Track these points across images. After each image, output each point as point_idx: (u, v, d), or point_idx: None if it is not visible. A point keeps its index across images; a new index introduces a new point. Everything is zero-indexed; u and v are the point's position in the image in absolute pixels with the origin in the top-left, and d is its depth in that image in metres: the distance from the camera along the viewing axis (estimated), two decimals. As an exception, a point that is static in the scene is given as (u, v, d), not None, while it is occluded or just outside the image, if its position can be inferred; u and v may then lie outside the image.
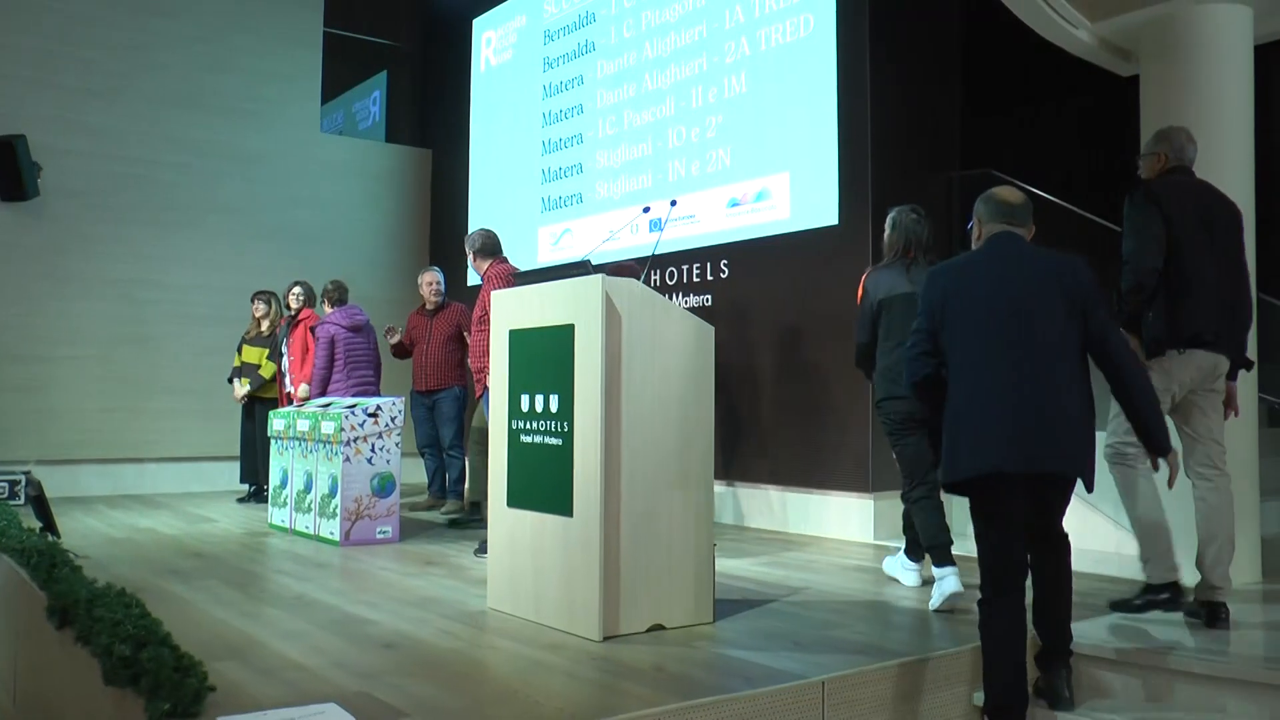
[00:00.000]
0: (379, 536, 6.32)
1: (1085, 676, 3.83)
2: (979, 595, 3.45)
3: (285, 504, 6.88)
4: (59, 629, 4.05)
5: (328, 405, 6.79)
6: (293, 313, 8.41)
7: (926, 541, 4.72)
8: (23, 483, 8.47)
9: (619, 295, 3.94)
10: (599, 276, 3.90)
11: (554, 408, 4.06)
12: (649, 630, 3.97)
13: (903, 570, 5.11)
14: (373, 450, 6.30)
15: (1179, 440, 4.18)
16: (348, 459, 6.22)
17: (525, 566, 4.20)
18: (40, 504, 5.78)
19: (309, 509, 6.55)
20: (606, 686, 3.29)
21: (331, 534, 6.28)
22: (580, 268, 4.09)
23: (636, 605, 3.95)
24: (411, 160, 11.42)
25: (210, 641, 3.79)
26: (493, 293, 4.48)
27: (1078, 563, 3.70)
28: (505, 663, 3.60)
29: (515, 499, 4.27)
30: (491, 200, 10.22)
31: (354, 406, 6.40)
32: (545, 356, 4.12)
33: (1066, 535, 3.63)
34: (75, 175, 9.33)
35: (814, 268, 6.96)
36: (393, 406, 6.41)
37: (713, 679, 3.39)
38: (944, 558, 4.58)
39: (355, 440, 6.24)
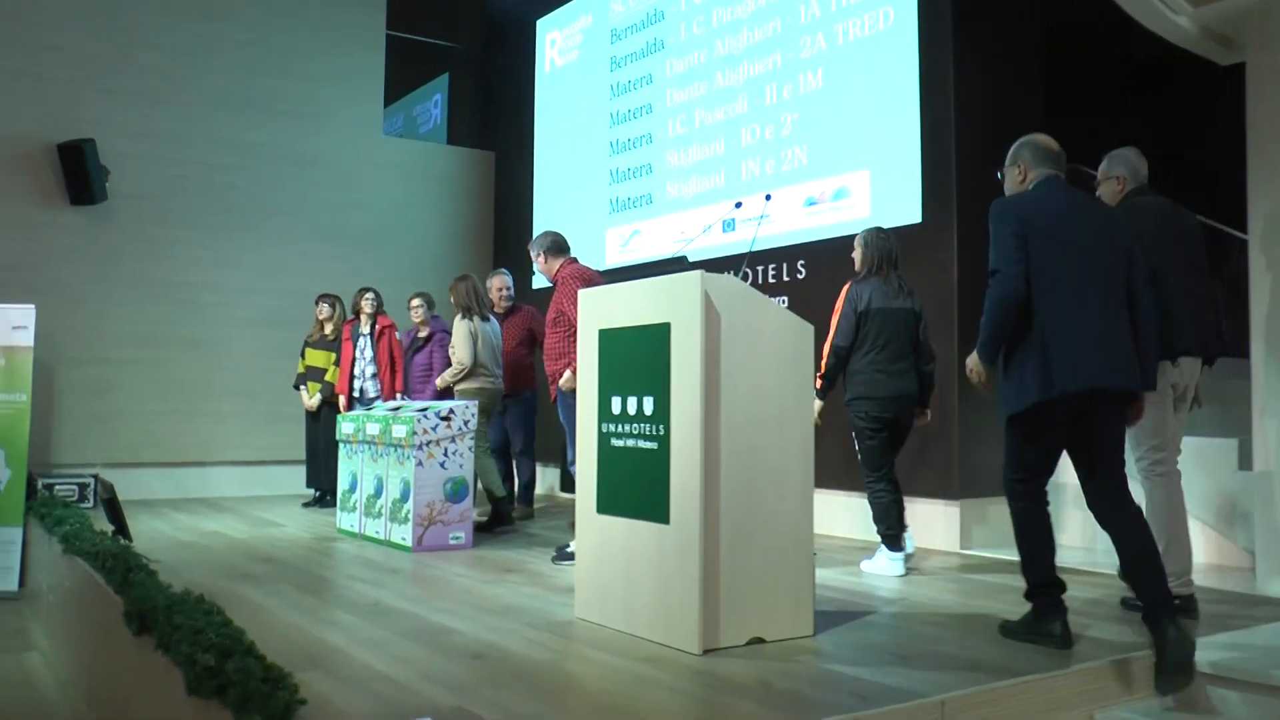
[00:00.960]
0: (452, 542, 6.17)
1: (1203, 695, 3.61)
2: (1012, 501, 3.91)
3: (354, 509, 6.76)
4: (137, 635, 3.94)
5: (398, 409, 6.66)
6: (369, 318, 8.33)
7: (886, 528, 5.41)
8: (92, 485, 8.47)
9: (717, 292, 3.76)
10: (698, 273, 3.72)
11: (648, 410, 3.88)
12: (748, 643, 3.77)
13: (889, 564, 5.42)
14: (445, 454, 6.16)
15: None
16: (420, 463, 6.08)
17: (616, 575, 4.02)
18: (113, 507, 5.70)
19: (379, 514, 6.42)
20: (712, 703, 3.10)
21: (403, 539, 6.15)
22: (675, 264, 3.91)
23: (736, 617, 3.76)
24: (475, 162, 11.33)
25: (289, 650, 3.64)
26: (580, 291, 4.31)
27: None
28: (602, 676, 3.42)
29: (605, 505, 4.10)
30: (557, 202, 10.09)
31: (426, 410, 6.27)
32: (638, 357, 3.94)
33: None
34: (139, 179, 9.33)
35: (896, 268, 6.73)
36: (465, 410, 6.27)
37: (823, 696, 3.19)
38: (897, 544, 5.39)
39: (428, 444, 6.10)
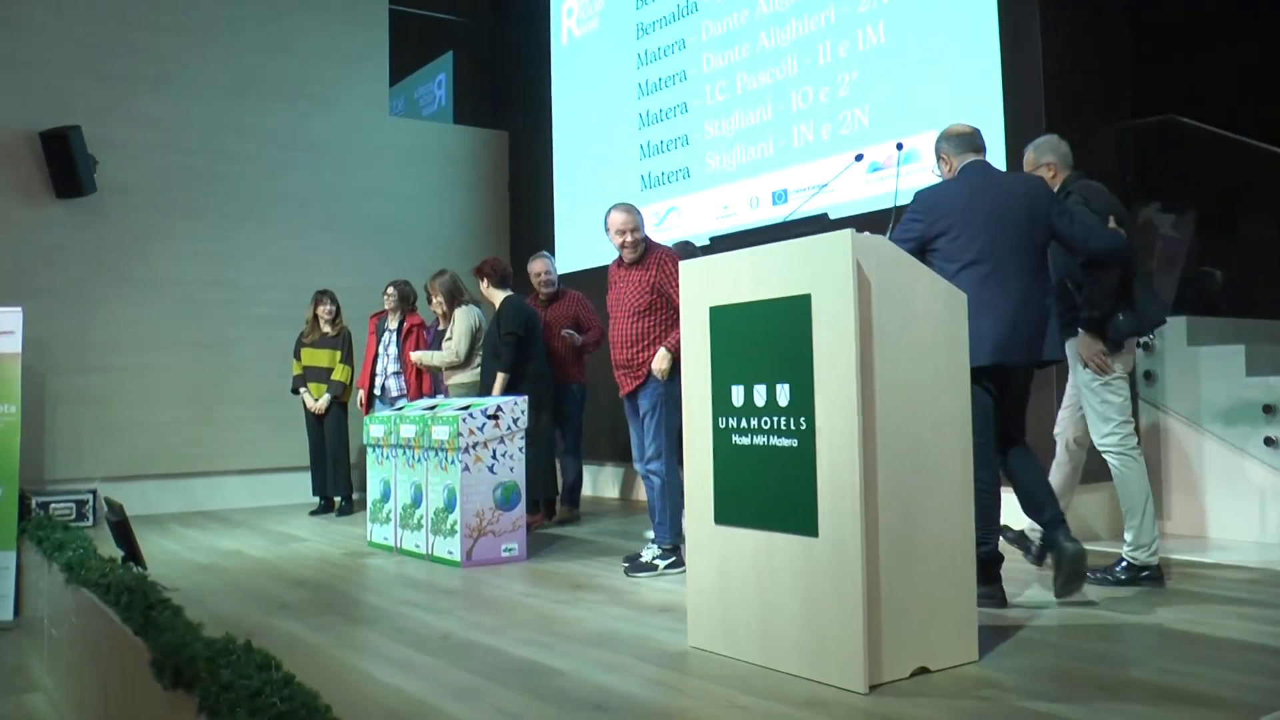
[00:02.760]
0: (505, 555, 5.51)
1: None
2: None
3: (388, 520, 6.09)
4: (170, 689, 3.27)
5: (433, 407, 6.00)
6: (395, 313, 7.92)
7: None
8: (90, 502, 7.77)
9: (866, 256, 3.12)
10: (846, 232, 3.09)
11: (783, 400, 3.22)
12: (912, 675, 3.13)
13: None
14: (494, 457, 5.50)
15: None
16: (466, 468, 5.41)
17: (746, 598, 3.37)
18: (123, 530, 5.01)
19: (419, 525, 5.76)
20: (914, 763, 2.46)
21: (450, 554, 5.48)
22: (814, 224, 3.26)
23: (899, 645, 3.11)
24: (487, 143, 10.61)
25: (366, 707, 2.99)
26: (682, 264, 3.65)
27: None
28: (762, 730, 2.77)
29: (727, 514, 3.44)
30: (581, 181, 9.41)
31: (469, 408, 5.60)
32: (768, 337, 3.29)
33: None
34: (130, 168, 8.59)
35: (978, 236, 6.09)
36: (514, 407, 5.59)
37: (1042, 747, 2.56)
38: None
39: (474, 446, 5.44)
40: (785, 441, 3.22)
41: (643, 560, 4.96)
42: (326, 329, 8.13)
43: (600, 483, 9.02)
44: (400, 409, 6.48)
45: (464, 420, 5.41)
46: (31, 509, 7.06)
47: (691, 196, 8.00)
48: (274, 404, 8.65)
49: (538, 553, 5.82)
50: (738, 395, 3.39)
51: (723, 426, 3.46)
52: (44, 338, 8.02)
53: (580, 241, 8.57)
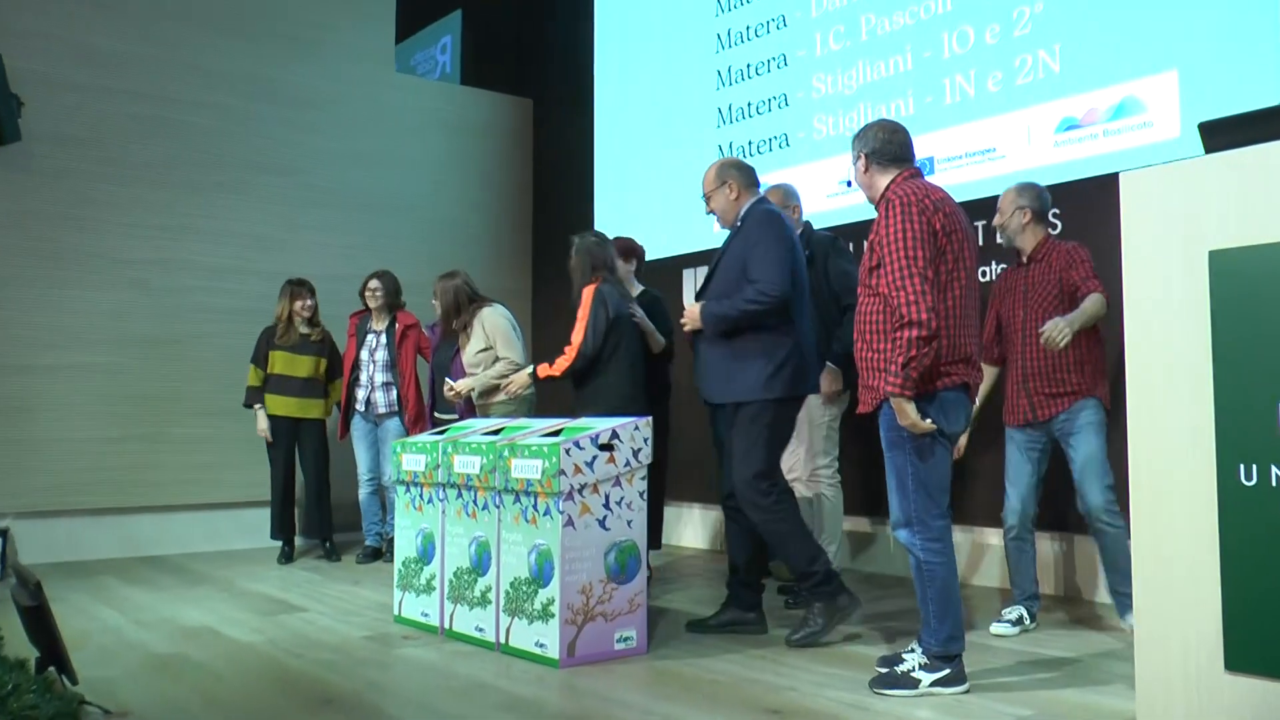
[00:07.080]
0: (619, 647, 3.77)
1: None
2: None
3: (430, 589, 4.32)
4: None
5: (497, 432, 4.25)
6: (382, 311, 6.50)
7: None
8: (-1, 549, 5.89)
9: None
10: None
11: None
12: None
13: None
14: (607, 506, 3.76)
15: None
16: (569, 521, 3.67)
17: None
18: (39, 618, 3.20)
19: (484, 601, 4.00)
20: None
21: (541, 646, 3.72)
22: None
23: None
24: (507, 111, 8.81)
25: None
26: (1127, 175, 1.97)
27: None
28: None
29: (1263, 655, 1.75)
30: (631, 157, 7.69)
31: (559, 432, 3.87)
32: None
33: None
34: (68, 114, 6.72)
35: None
36: (636, 433, 3.86)
37: None
38: None
39: (581, 490, 3.70)
40: None
41: (897, 671, 3.23)
42: (305, 329, 6.51)
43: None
44: (442, 431, 4.72)
45: (567, 451, 3.67)
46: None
47: (793, 170, 6.32)
48: (243, 420, 6.78)
49: (663, 639, 4.08)
50: (1303, 421, 1.72)
51: (1251, 483, 1.78)
52: (-55, 328, 6.15)
53: (627, 229, 6.85)
